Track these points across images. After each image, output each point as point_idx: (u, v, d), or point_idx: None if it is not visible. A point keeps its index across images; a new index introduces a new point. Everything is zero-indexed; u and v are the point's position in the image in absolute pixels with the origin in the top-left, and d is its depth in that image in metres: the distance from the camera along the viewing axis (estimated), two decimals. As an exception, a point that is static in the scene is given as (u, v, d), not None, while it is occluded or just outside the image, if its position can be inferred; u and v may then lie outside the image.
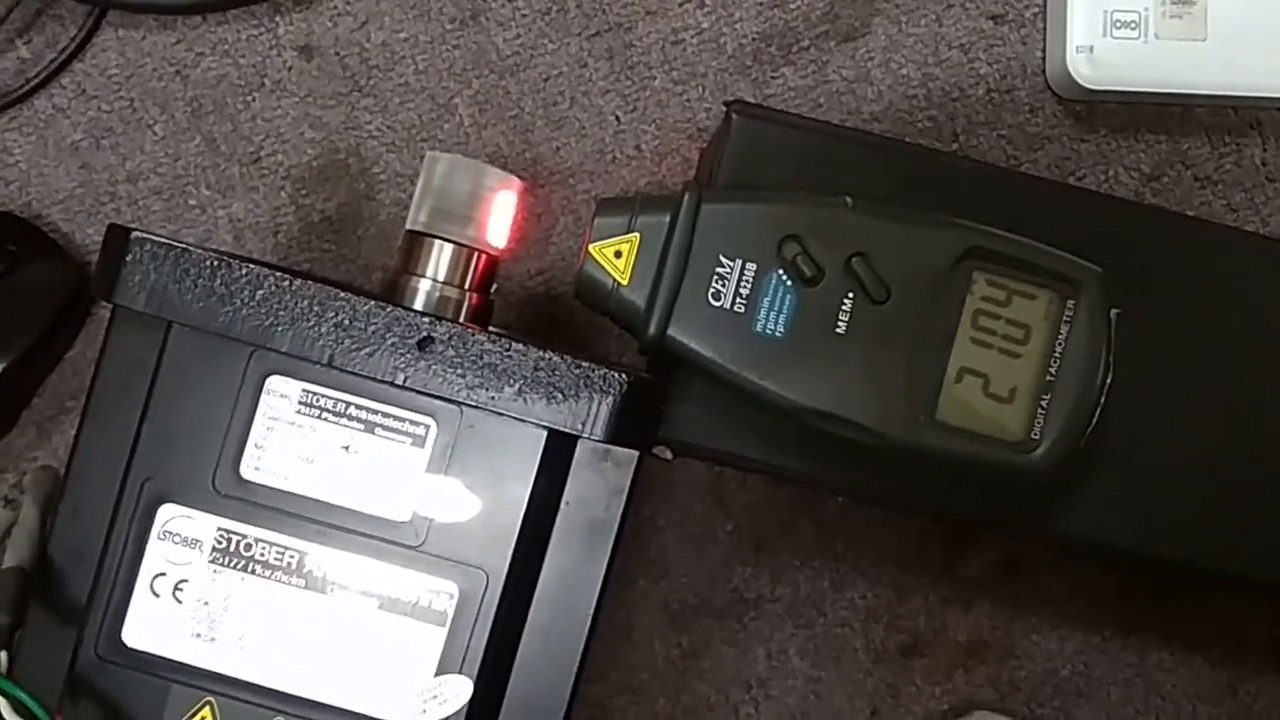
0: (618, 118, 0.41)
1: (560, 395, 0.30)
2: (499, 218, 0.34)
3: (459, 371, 0.30)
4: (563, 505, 0.31)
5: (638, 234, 0.32)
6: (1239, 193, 0.41)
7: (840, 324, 0.31)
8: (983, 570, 0.41)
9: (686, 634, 0.41)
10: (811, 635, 0.41)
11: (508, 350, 0.30)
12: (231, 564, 0.30)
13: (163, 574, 0.30)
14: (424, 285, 0.33)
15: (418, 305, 0.33)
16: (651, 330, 0.32)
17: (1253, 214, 0.41)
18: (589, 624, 0.31)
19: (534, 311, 0.41)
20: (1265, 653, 0.41)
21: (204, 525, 0.30)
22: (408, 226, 0.34)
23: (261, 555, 0.30)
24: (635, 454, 0.31)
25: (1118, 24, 0.38)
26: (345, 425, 0.30)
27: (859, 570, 0.41)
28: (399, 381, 0.30)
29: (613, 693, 0.41)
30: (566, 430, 0.30)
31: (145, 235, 0.30)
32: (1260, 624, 0.41)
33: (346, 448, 0.30)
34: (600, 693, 0.40)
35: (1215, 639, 0.41)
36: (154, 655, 0.30)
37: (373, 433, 0.30)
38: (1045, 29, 0.40)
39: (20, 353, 0.38)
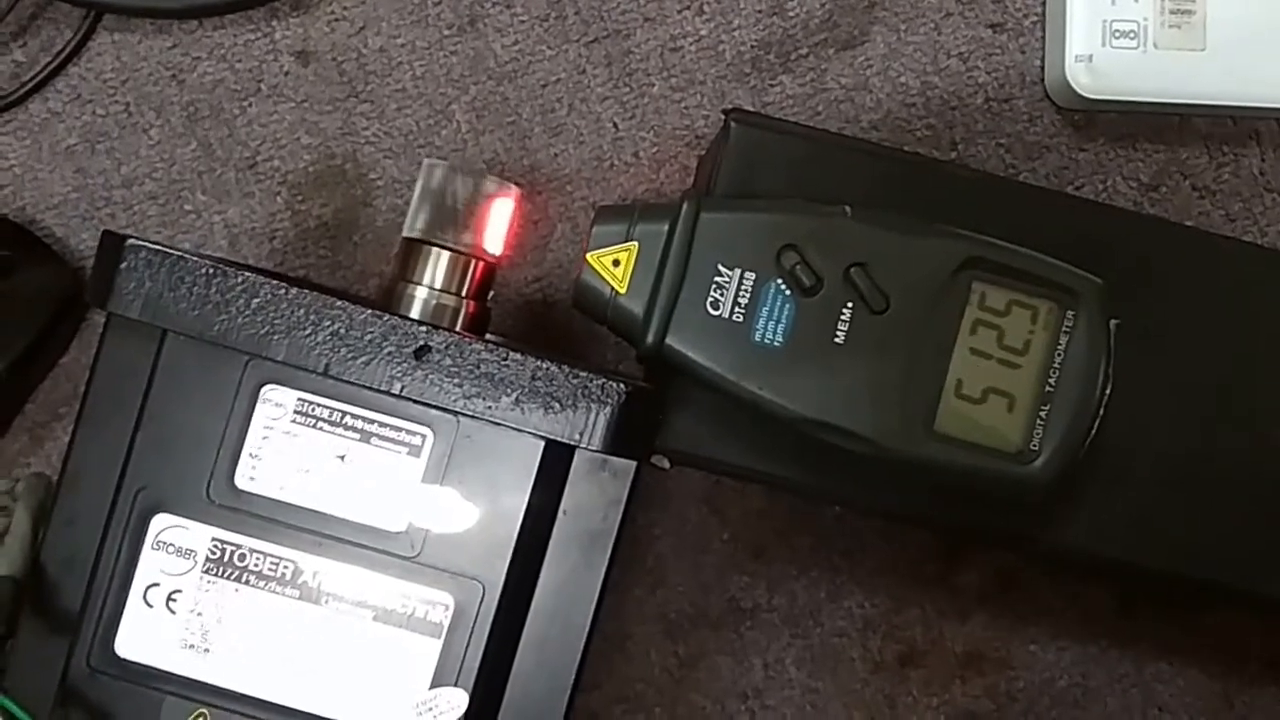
0: (616, 125, 0.40)
1: (558, 405, 0.29)
2: (496, 225, 0.34)
3: (456, 381, 0.29)
4: (560, 515, 0.31)
5: (636, 243, 0.32)
6: (1237, 202, 0.41)
7: (839, 334, 0.31)
8: (980, 580, 0.41)
9: (683, 644, 0.41)
10: (808, 645, 0.40)
11: (505, 360, 0.29)
12: (226, 574, 0.30)
13: (156, 584, 0.30)
14: (421, 293, 0.33)
15: (414, 313, 0.33)
16: (650, 339, 0.32)
17: (1251, 224, 0.41)
18: (586, 635, 0.31)
19: (531, 319, 0.41)
20: (1262, 664, 0.41)
21: (198, 535, 0.30)
22: (404, 234, 0.34)
23: (256, 566, 0.30)
24: (633, 464, 0.31)
25: (1117, 33, 0.38)
26: (341, 435, 0.30)
27: (856, 580, 0.41)
28: (395, 391, 0.29)
29: (608, 702, 0.40)
30: (564, 440, 0.30)
31: (140, 243, 0.29)
32: (1258, 636, 0.41)
33: (342, 457, 0.30)
34: (595, 702, 0.40)
35: (1213, 650, 0.41)
36: (147, 666, 0.30)
37: (368, 442, 0.30)
38: (1044, 38, 0.40)
39: (14, 358, 0.38)
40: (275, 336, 0.29)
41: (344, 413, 0.30)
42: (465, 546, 0.30)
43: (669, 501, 0.40)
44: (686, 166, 0.40)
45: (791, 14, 0.40)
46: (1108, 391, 0.31)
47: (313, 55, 0.40)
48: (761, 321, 0.31)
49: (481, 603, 0.30)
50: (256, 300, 0.29)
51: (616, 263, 0.32)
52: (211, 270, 0.29)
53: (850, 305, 0.31)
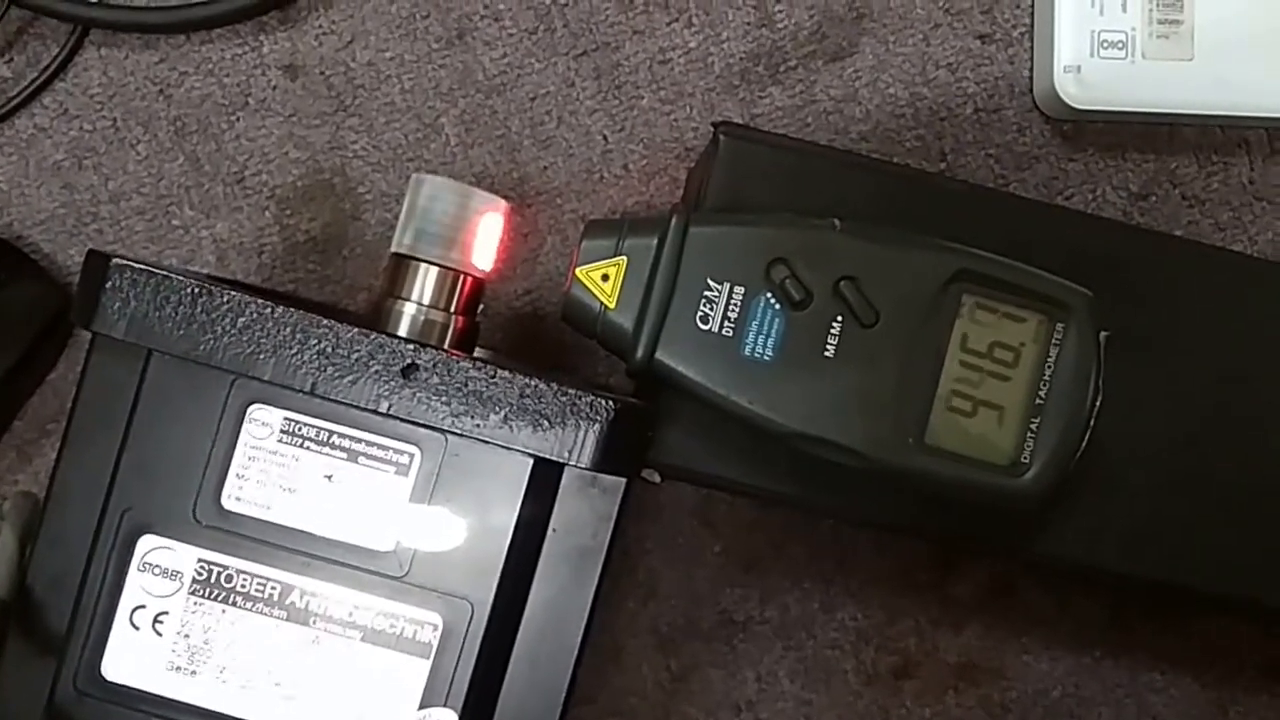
0: (605, 137, 0.40)
1: (547, 423, 0.29)
2: (485, 241, 0.34)
3: (444, 399, 0.29)
4: (549, 533, 0.31)
5: (625, 257, 0.32)
6: (1226, 212, 0.41)
7: (829, 347, 0.31)
8: (973, 591, 0.40)
9: (675, 657, 0.40)
10: (801, 657, 0.40)
11: (493, 377, 0.29)
12: (212, 596, 0.30)
13: (142, 606, 0.30)
14: (409, 309, 0.33)
15: (402, 329, 0.33)
16: (639, 354, 0.31)
17: (1240, 233, 0.41)
18: (576, 653, 0.31)
19: (520, 332, 0.40)
20: (1256, 673, 0.41)
21: (184, 556, 0.30)
22: (393, 249, 0.34)
23: (243, 587, 0.30)
24: (623, 481, 0.31)
25: (1105, 44, 0.38)
26: (328, 454, 0.30)
27: (849, 592, 0.40)
28: (383, 409, 0.29)
29: (601, 716, 0.40)
30: (553, 458, 0.30)
31: (125, 262, 0.29)
32: (1251, 644, 0.41)
33: (329, 477, 0.30)
34: (588, 716, 0.40)
35: (1206, 659, 0.41)
36: (134, 689, 0.30)
37: (356, 462, 0.30)
38: (1033, 48, 0.40)
39: (1, 375, 0.38)
40: (261, 356, 0.29)
41: (331, 432, 0.30)
42: (454, 565, 0.30)
43: (660, 514, 0.40)
44: (676, 179, 0.40)
45: (780, 26, 0.40)
46: (1098, 403, 0.31)
47: (301, 69, 0.40)
48: (751, 335, 0.31)
49: (470, 622, 0.30)
50: (242, 319, 0.29)
51: (605, 277, 0.32)
52: (197, 289, 0.29)
53: (840, 319, 0.31)
